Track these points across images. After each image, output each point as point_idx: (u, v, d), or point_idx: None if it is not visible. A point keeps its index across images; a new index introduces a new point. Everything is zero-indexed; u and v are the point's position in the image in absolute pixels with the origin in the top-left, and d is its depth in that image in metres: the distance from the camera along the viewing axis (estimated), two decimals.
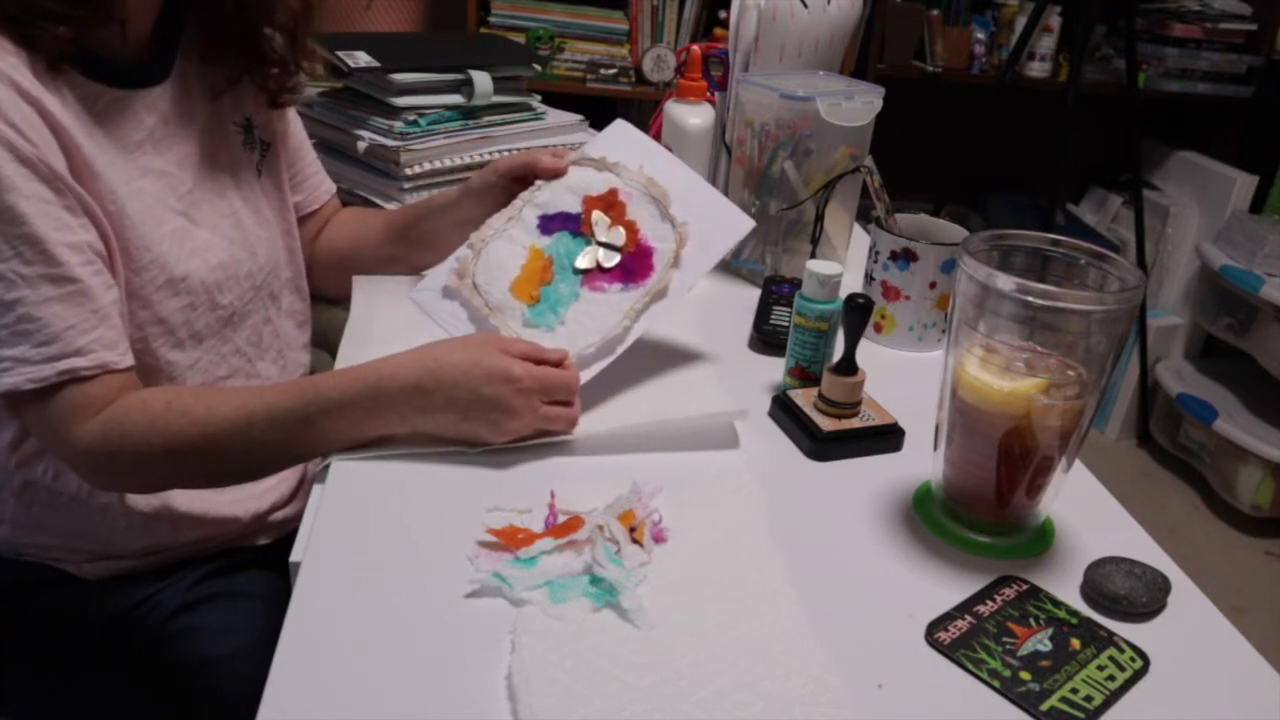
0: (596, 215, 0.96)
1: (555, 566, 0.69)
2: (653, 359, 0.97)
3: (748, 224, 0.96)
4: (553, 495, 0.75)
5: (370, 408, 0.76)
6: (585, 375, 0.87)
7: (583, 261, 0.94)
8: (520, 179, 0.99)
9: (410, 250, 1.04)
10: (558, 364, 0.81)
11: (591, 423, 0.85)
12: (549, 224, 0.97)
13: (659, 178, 0.97)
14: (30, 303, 0.71)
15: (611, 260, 0.93)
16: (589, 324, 0.90)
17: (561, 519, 0.73)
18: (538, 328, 0.90)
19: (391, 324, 0.98)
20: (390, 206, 1.22)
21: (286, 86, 0.95)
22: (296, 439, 0.76)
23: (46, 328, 0.71)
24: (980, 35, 2.59)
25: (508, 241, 0.96)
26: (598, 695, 0.58)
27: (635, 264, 0.93)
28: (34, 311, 0.71)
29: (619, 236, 0.94)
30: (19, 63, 0.71)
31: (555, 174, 0.98)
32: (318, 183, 1.07)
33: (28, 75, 0.71)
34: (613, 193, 0.97)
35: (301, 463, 0.86)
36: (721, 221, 0.96)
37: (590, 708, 0.58)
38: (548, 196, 0.98)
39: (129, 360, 0.77)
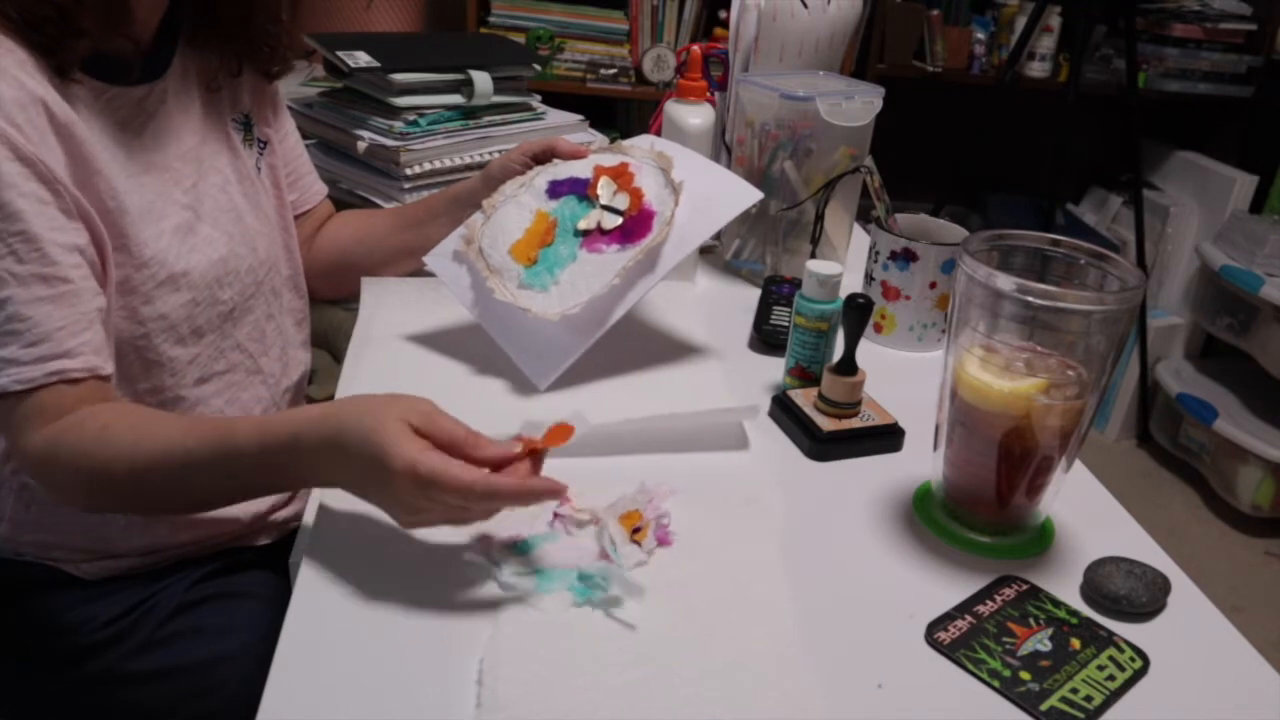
0: (604, 180, 0.97)
1: (548, 556, 0.69)
2: (660, 356, 0.98)
3: (754, 194, 0.96)
4: (566, 489, 0.75)
5: (280, 470, 0.69)
6: (578, 347, 0.88)
7: (584, 223, 0.94)
8: (541, 161, 1.02)
9: (427, 240, 1.03)
10: (496, 460, 0.65)
11: (602, 415, 0.84)
12: (557, 188, 0.98)
13: (667, 151, 0.99)
14: (21, 301, 0.70)
15: (613, 223, 0.94)
16: (581, 284, 0.90)
17: (568, 512, 0.73)
18: (532, 288, 0.91)
19: (395, 327, 0.99)
20: (390, 206, 1.22)
21: (278, 60, 0.96)
22: (216, 486, 0.72)
23: (37, 327, 0.71)
24: (980, 35, 2.60)
25: (516, 206, 0.97)
26: (566, 689, 0.58)
27: (635, 226, 0.93)
28: (24, 310, 0.70)
29: (623, 201, 0.95)
30: (26, 59, 0.71)
31: (575, 158, 1.01)
32: (310, 182, 1.08)
33: (34, 73, 0.71)
34: (623, 165, 0.99)
35: (235, 503, 0.80)
36: (725, 190, 0.97)
37: (554, 698, 0.58)
38: (561, 168, 1.00)
39: (110, 367, 0.76)
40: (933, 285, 1.05)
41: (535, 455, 0.66)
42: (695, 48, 1.21)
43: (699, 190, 0.94)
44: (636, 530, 0.71)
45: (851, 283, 1.11)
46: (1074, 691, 0.63)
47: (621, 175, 0.97)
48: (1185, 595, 0.73)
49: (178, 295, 0.83)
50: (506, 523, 0.73)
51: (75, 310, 0.73)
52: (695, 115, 1.19)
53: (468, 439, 0.64)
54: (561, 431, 0.67)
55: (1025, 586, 0.72)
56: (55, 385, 0.72)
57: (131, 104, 0.82)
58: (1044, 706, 0.61)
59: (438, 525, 0.66)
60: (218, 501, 0.77)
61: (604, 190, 0.96)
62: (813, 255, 1.15)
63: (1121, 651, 0.66)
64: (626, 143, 1.02)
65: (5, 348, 0.70)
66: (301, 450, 0.67)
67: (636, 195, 0.95)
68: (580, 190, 0.97)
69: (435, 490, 0.61)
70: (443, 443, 0.63)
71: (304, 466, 0.68)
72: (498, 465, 0.64)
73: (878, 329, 1.09)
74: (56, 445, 0.72)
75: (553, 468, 0.79)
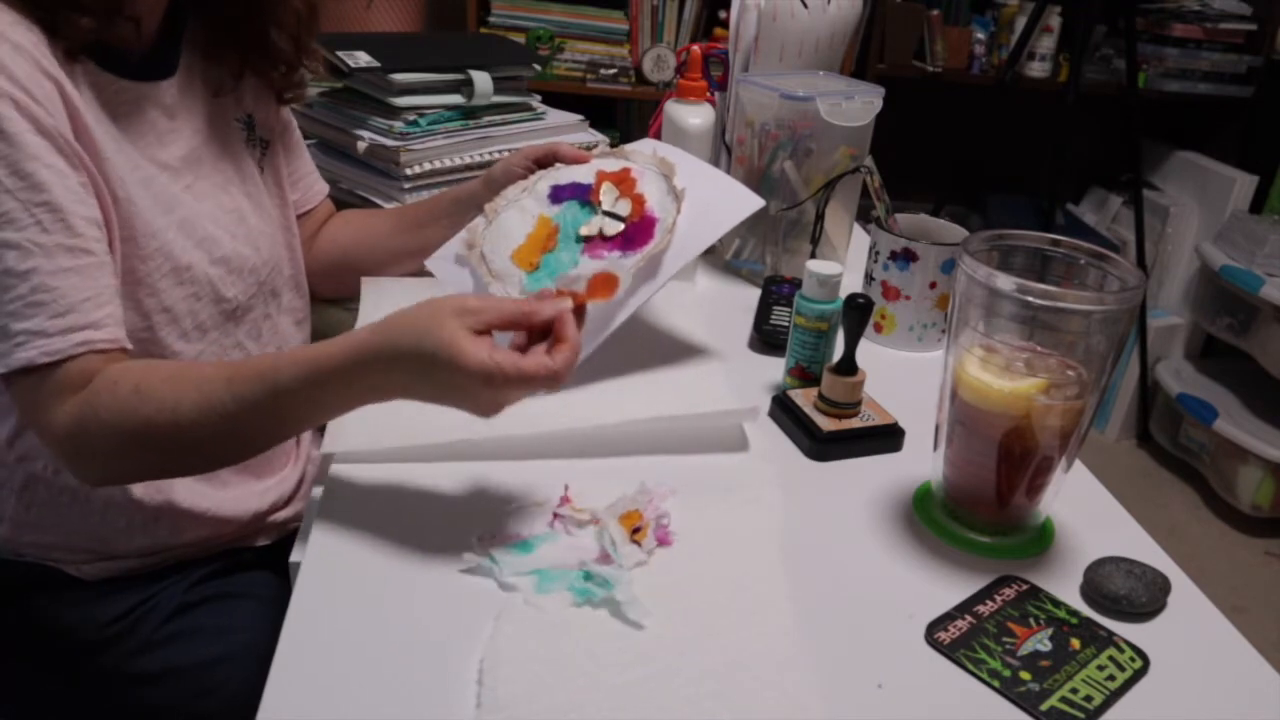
0: (606, 186, 0.97)
1: (549, 556, 0.69)
2: (660, 356, 0.98)
3: (756, 202, 0.96)
4: (566, 488, 0.76)
5: (331, 394, 0.70)
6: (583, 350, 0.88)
7: (586, 229, 0.94)
8: (543, 166, 1.02)
9: (427, 242, 1.03)
10: (539, 325, 0.68)
11: (601, 416, 0.85)
12: (560, 193, 0.98)
13: (670, 157, 1.00)
14: (46, 272, 0.69)
15: (615, 229, 0.94)
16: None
17: (568, 512, 0.74)
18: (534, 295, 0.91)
19: None
20: (390, 206, 1.22)
21: (292, 83, 0.97)
22: (266, 426, 0.73)
23: (63, 298, 0.70)
24: (980, 35, 2.59)
25: (519, 211, 0.97)
26: (565, 688, 0.59)
27: (637, 233, 0.93)
28: (49, 281, 0.70)
29: (625, 207, 0.95)
30: (39, 40, 0.71)
31: (577, 163, 1.01)
32: (312, 182, 1.08)
33: (47, 55, 0.72)
34: (625, 170, 0.99)
35: (281, 443, 0.80)
36: (726, 197, 0.97)
37: (554, 698, 0.58)
38: (563, 172, 1.00)
39: (128, 344, 0.76)
40: (933, 285, 1.05)
41: (580, 309, 0.70)
42: (695, 48, 1.21)
43: (701, 197, 0.95)
44: (636, 530, 0.71)
45: (851, 283, 1.11)
46: (1074, 691, 0.63)
47: (623, 181, 0.97)
48: (1185, 595, 0.73)
49: (181, 289, 0.83)
50: (506, 523, 0.73)
51: (99, 283, 0.72)
52: (695, 115, 1.19)
53: (520, 315, 0.68)
54: (605, 282, 0.68)
55: (1025, 586, 0.72)
56: (83, 356, 0.71)
57: (137, 100, 0.82)
58: (1044, 706, 0.61)
59: (513, 404, 0.70)
60: (265, 443, 0.77)
61: (606, 196, 0.96)
62: (813, 255, 1.15)
63: (1121, 651, 0.66)
64: (628, 147, 1.02)
65: (31, 319, 0.69)
66: (358, 377, 0.68)
67: (638, 201, 0.95)
68: (582, 195, 0.97)
69: (514, 388, 0.66)
70: (501, 328, 0.68)
71: (363, 390, 0.70)
72: (552, 325, 0.69)
73: (878, 329, 1.09)
74: (91, 409, 0.71)
75: (553, 467, 0.80)
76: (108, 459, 0.74)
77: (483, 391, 0.66)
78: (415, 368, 0.66)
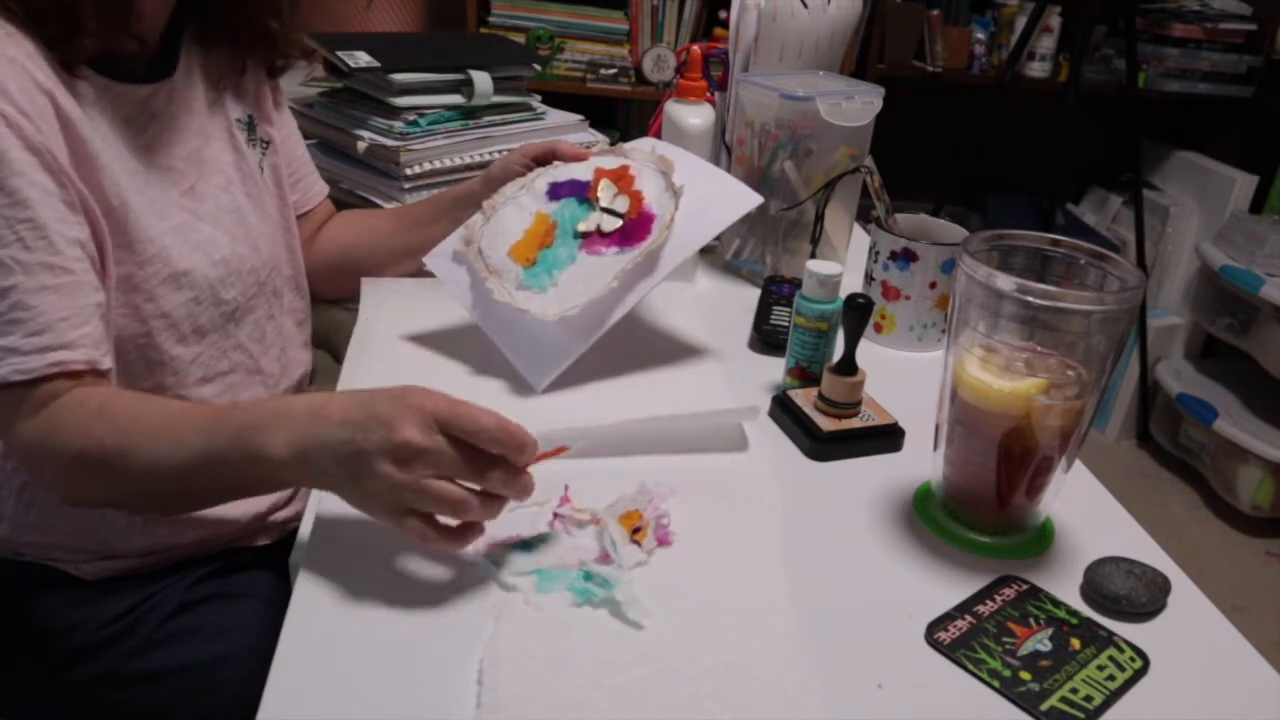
0: (604, 183, 0.97)
1: (549, 556, 0.69)
2: (660, 356, 0.98)
3: (754, 198, 0.96)
4: (566, 488, 0.76)
5: (279, 432, 0.65)
6: (576, 349, 0.88)
7: (584, 225, 0.95)
8: (542, 164, 1.03)
9: (427, 241, 1.04)
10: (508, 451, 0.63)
11: (600, 416, 0.85)
12: (558, 190, 0.99)
13: (668, 154, 1.00)
14: (26, 290, 0.70)
15: (613, 225, 0.94)
16: (580, 286, 0.91)
17: (568, 512, 0.74)
18: (530, 289, 0.91)
19: (394, 328, 0.99)
20: (390, 206, 1.22)
21: (282, 54, 0.98)
22: (203, 474, 0.69)
23: (40, 317, 0.70)
24: (980, 35, 2.60)
25: (517, 208, 0.98)
26: (566, 689, 0.59)
27: (635, 229, 0.94)
28: (29, 299, 0.70)
29: (623, 204, 0.95)
30: (35, 51, 0.71)
31: (576, 161, 1.01)
32: (312, 183, 1.08)
33: (43, 66, 0.72)
34: (624, 167, 0.99)
35: (232, 501, 0.76)
36: (725, 194, 0.97)
37: (554, 698, 0.58)
38: (562, 170, 1.01)
39: (109, 362, 0.76)
40: (933, 285, 1.05)
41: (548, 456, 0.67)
42: (695, 48, 1.21)
43: (699, 194, 0.95)
44: (636, 530, 0.71)
45: (851, 283, 1.11)
46: (1074, 691, 0.63)
47: (622, 178, 0.97)
48: (1185, 595, 0.73)
49: (180, 294, 0.83)
50: (506, 523, 0.73)
51: (77, 302, 0.72)
52: (695, 115, 1.19)
53: (493, 430, 0.62)
54: (556, 450, 0.68)
55: (1025, 586, 0.72)
56: (55, 379, 0.71)
57: (137, 103, 0.82)
58: (1044, 706, 0.61)
59: (393, 507, 0.63)
60: (209, 496, 0.74)
61: (604, 193, 0.96)
62: (813, 255, 1.15)
63: (1121, 651, 0.66)
64: (627, 145, 1.03)
65: (7, 336, 0.70)
66: (311, 416, 0.65)
67: (636, 198, 0.95)
68: (580, 193, 0.97)
69: (414, 456, 0.60)
70: (461, 424, 0.62)
71: (306, 432, 0.65)
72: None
73: (878, 329, 1.09)
74: (51, 426, 0.71)
75: (553, 467, 0.79)
76: (59, 476, 0.74)
77: (380, 432, 0.60)
78: (355, 412, 0.62)
